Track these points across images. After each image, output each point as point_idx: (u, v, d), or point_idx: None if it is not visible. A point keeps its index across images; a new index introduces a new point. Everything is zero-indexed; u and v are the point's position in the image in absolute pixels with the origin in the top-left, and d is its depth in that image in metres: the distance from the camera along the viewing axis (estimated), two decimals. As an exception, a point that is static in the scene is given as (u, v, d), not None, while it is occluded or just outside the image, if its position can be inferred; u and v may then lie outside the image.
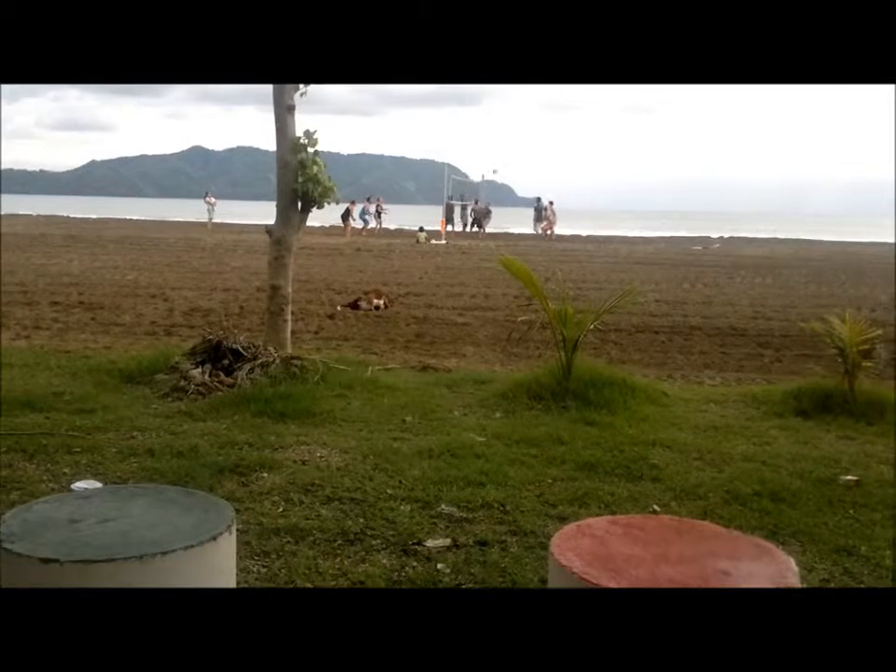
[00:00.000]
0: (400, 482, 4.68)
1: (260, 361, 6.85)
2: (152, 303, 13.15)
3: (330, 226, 34.01)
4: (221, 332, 7.31)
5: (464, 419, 6.09)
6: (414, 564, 3.69)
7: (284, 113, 7.31)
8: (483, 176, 50.34)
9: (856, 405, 6.37)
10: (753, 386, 7.84)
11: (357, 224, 35.86)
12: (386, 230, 38.22)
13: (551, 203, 37.78)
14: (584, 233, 41.18)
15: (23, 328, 10.61)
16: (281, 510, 4.26)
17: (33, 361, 7.66)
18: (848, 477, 4.88)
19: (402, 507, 4.32)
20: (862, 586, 3.55)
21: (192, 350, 7.16)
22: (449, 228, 38.57)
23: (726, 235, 41.94)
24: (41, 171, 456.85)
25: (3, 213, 36.12)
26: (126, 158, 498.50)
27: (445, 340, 10.78)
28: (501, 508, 4.34)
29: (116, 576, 2.21)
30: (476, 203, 41.33)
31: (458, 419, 6.08)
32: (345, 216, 34.53)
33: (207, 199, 41.48)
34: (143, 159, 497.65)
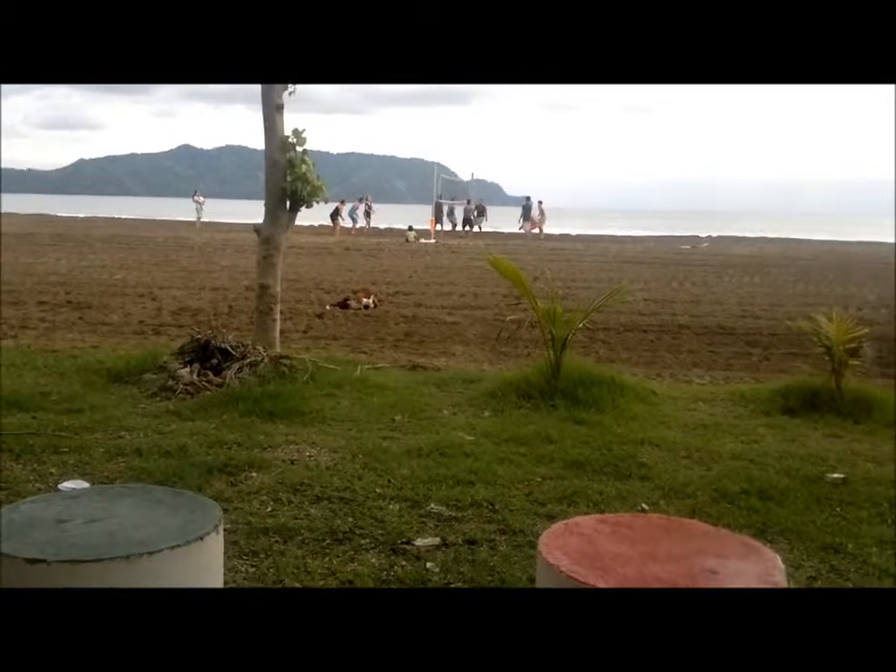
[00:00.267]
0: (389, 481, 4.68)
1: (249, 360, 6.84)
2: (140, 303, 13.09)
3: (319, 225, 33.92)
4: (210, 331, 7.30)
5: (453, 418, 6.09)
6: (403, 563, 3.69)
7: (272, 112, 7.30)
8: (472, 175, 50.40)
9: (843, 403, 6.41)
10: (741, 385, 7.88)
11: (347, 223, 35.81)
12: (376, 229, 38.15)
13: (540, 202, 37.80)
14: (574, 232, 41.20)
15: (10, 327, 10.54)
16: (270, 509, 4.25)
17: (20, 361, 7.62)
18: (835, 475, 4.91)
19: (391, 506, 4.32)
20: (849, 584, 3.57)
21: (181, 349, 7.14)
22: (438, 227, 38.52)
23: (715, 234, 42.04)
24: (29, 170, 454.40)
25: None
26: (114, 156, 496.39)
27: (434, 339, 10.76)
28: (490, 506, 4.35)
29: (103, 576, 2.21)
30: (469, 202, 41.23)
31: (447, 418, 6.09)
32: (334, 215, 34.46)
33: (196, 198, 41.27)
34: (131, 157, 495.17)
